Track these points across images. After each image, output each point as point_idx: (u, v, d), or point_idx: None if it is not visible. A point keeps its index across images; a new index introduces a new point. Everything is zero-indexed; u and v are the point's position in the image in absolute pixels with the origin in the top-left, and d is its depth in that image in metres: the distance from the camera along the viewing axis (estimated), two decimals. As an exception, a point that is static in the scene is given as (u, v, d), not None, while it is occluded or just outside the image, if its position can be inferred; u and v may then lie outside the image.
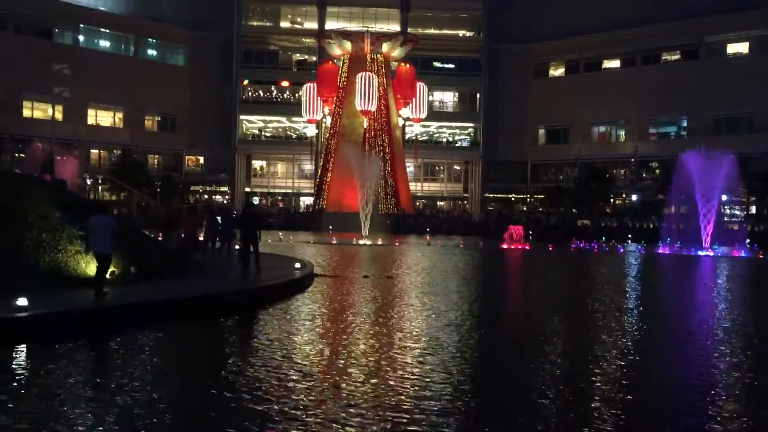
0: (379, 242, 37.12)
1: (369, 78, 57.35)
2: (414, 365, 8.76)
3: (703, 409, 7.18)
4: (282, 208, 68.86)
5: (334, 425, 6.37)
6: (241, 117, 71.49)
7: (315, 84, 61.24)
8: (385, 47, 60.87)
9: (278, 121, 73.78)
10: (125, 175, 55.45)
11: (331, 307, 13.96)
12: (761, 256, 33.04)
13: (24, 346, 9.38)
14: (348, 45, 60.68)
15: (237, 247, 19.64)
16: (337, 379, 8.04)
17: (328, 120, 63.27)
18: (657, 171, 63.15)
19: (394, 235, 43.26)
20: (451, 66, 72.73)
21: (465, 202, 74.67)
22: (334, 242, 36.38)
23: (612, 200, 64.28)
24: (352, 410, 6.79)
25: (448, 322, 12.05)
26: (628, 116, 66.20)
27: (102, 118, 67.63)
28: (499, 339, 11.50)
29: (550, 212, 62.71)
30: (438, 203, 75.24)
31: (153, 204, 53.70)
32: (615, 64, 68.90)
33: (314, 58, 69.91)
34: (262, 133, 75.79)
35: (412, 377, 8.14)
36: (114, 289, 12.41)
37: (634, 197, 63.35)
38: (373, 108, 57.90)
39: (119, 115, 68.39)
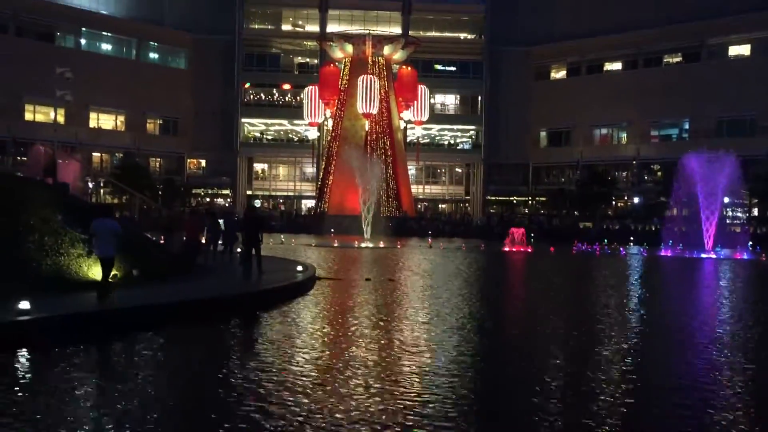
0: (381, 245, 37.10)
1: (370, 81, 57.40)
2: (416, 369, 8.73)
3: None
4: (283, 210, 68.88)
5: None
6: (243, 120, 71.57)
7: (316, 87, 61.34)
8: (387, 50, 60.92)
9: (280, 124, 73.85)
10: (127, 178, 55.52)
11: (333, 310, 13.93)
12: (764, 258, 32.98)
13: (26, 350, 9.36)
14: (349, 48, 60.74)
15: (239, 249, 19.65)
16: (339, 384, 8.01)
17: (330, 123, 63.35)
18: (659, 173, 63.10)
19: (396, 237, 43.25)
20: (453, 68, 72.79)
21: (466, 204, 74.66)
22: (335, 245, 36.35)
23: (614, 203, 64.26)
24: (354, 415, 6.77)
25: (450, 325, 12.01)
26: (629, 118, 66.18)
27: (104, 121, 67.77)
28: (503, 343, 11.46)
29: (551, 215, 62.69)
30: (439, 206, 75.28)
31: (155, 207, 53.75)
32: (617, 66, 68.91)
33: (316, 61, 70.01)
34: (264, 136, 75.86)
35: (415, 381, 8.11)
36: (116, 293, 12.40)
37: (636, 200, 63.33)
38: (374, 111, 57.94)
39: (121, 118, 68.52)
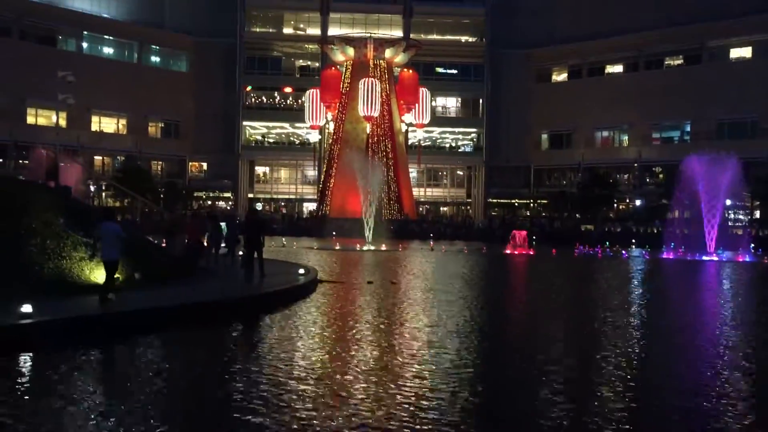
0: (383, 248, 37.08)
1: (372, 84, 57.45)
2: (418, 373, 8.72)
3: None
4: (285, 214, 68.89)
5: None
6: (244, 123, 71.63)
7: (318, 90, 61.41)
8: (388, 53, 60.99)
9: (281, 127, 73.89)
10: (129, 181, 55.45)
11: (335, 313, 13.91)
12: (766, 261, 32.94)
13: (29, 353, 9.36)
14: (351, 51, 60.81)
15: (241, 252, 19.64)
16: (341, 387, 8.00)
17: (331, 126, 63.42)
18: (660, 176, 63.09)
19: (398, 240, 43.22)
20: (454, 71, 72.89)
21: (468, 207, 74.64)
22: (337, 248, 36.35)
23: (615, 205, 64.21)
24: (355, 420, 6.76)
25: (453, 329, 11.98)
26: (631, 121, 66.17)
27: (105, 124, 67.85)
28: (506, 346, 11.44)
29: (553, 217, 62.67)
30: (441, 208, 75.25)
31: (156, 210, 53.74)
32: (618, 68, 68.92)
33: (317, 64, 70.10)
34: (265, 139, 75.94)
35: (417, 385, 8.10)
36: (118, 296, 12.41)
37: (637, 202, 63.29)
38: (376, 114, 57.99)
39: (123, 121, 68.62)
